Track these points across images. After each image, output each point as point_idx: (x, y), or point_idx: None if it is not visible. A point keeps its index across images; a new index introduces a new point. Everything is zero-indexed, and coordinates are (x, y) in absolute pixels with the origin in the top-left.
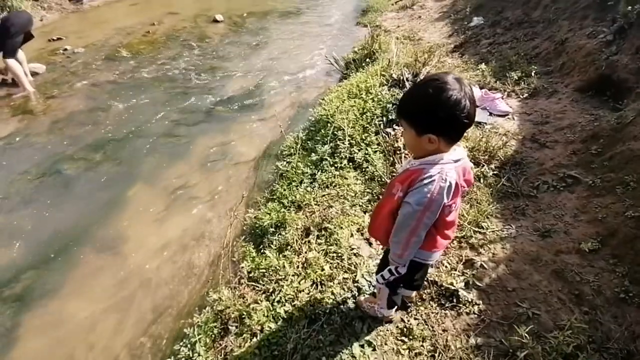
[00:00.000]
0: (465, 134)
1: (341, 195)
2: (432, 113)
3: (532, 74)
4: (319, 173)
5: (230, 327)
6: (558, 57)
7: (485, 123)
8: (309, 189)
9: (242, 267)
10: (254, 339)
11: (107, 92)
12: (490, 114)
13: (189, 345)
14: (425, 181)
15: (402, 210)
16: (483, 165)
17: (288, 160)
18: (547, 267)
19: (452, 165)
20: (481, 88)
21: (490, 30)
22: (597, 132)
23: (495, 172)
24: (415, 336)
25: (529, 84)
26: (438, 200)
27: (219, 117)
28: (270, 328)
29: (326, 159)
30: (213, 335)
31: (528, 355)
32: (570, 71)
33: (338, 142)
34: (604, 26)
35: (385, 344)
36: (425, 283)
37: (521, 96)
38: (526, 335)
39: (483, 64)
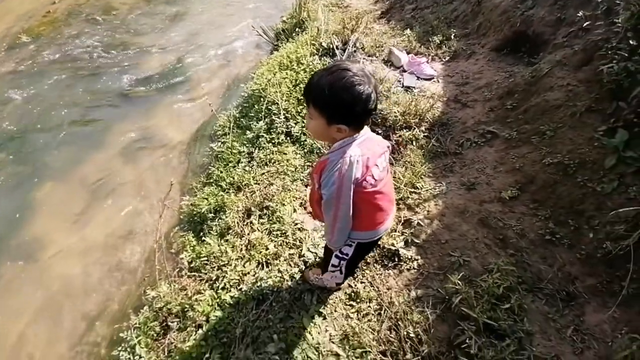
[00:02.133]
0: (396, 99)
1: (281, 172)
2: (348, 107)
3: (452, 37)
4: (257, 151)
5: (171, 323)
6: (475, 18)
7: (414, 87)
8: (247, 168)
9: (182, 258)
10: (200, 331)
11: (6, 83)
12: (418, 78)
13: (128, 349)
14: (331, 170)
15: (322, 201)
16: (414, 128)
17: (222, 140)
18: (473, 217)
19: (355, 143)
20: (408, 53)
21: None
22: (512, 88)
23: (425, 134)
24: (363, 299)
25: (449, 47)
26: (346, 184)
27: (137, 99)
28: (217, 316)
29: (263, 136)
30: (154, 335)
31: (462, 300)
32: (486, 31)
33: (273, 117)
34: None
35: (335, 311)
36: None
37: (443, 59)
38: (459, 281)
39: (408, 29)
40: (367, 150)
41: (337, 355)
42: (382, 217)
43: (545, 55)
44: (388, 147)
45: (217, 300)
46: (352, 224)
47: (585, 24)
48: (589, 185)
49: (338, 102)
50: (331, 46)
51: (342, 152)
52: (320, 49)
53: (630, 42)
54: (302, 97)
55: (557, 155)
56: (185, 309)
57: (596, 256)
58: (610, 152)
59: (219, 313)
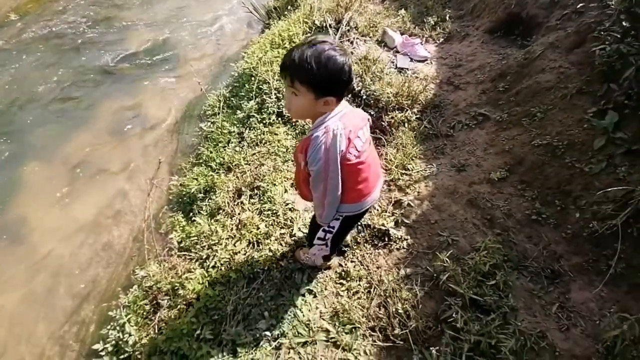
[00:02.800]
0: (389, 80)
1: (272, 152)
2: (335, 78)
3: (447, 18)
4: (247, 131)
5: (161, 301)
6: None
7: (407, 69)
8: (237, 148)
9: (171, 238)
10: (190, 308)
11: None
12: (411, 59)
13: (117, 328)
14: (316, 146)
15: (310, 178)
16: (407, 110)
17: (212, 120)
18: (462, 197)
19: (336, 117)
20: (402, 34)
21: None
22: (504, 70)
23: (417, 116)
24: (353, 277)
25: (443, 29)
26: (333, 157)
27: (123, 76)
28: (207, 294)
29: (253, 116)
30: (144, 313)
31: (450, 277)
32: (481, 13)
33: (264, 97)
34: None
35: (325, 289)
36: (360, 227)
37: (437, 41)
38: (447, 259)
39: (403, 9)
40: (348, 123)
41: (327, 331)
42: (367, 188)
43: (538, 37)
44: (368, 119)
45: (208, 278)
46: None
47: (579, 6)
48: (577, 166)
49: (326, 74)
50: (324, 24)
51: (324, 127)
52: (313, 27)
53: (623, 23)
54: None
55: (546, 136)
56: (176, 287)
57: (582, 235)
58: (599, 134)
59: (209, 291)
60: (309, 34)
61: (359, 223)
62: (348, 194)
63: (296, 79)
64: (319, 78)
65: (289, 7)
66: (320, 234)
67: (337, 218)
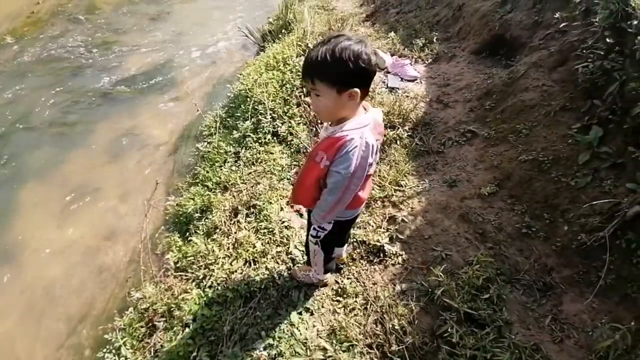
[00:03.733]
0: (381, 100)
1: (268, 171)
2: (353, 65)
3: (434, 40)
4: (243, 150)
5: (157, 323)
6: (456, 22)
7: (398, 88)
8: (233, 168)
9: (168, 259)
10: (187, 330)
11: None
12: (402, 79)
13: (113, 351)
14: (350, 148)
15: (331, 179)
16: (398, 128)
17: (209, 140)
18: (454, 212)
19: (369, 127)
20: (392, 55)
21: (397, 0)
22: (490, 89)
23: (409, 134)
24: (349, 294)
25: (432, 50)
26: (362, 165)
27: (121, 99)
28: (204, 315)
29: (249, 136)
30: (140, 336)
31: (444, 292)
32: (466, 35)
33: (260, 117)
34: None
35: (322, 307)
36: (355, 243)
37: (426, 61)
38: (441, 274)
39: (392, 32)
40: (375, 135)
41: (324, 349)
42: (364, 196)
43: (521, 57)
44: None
45: (204, 298)
46: None
47: (562, 26)
48: (563, 180)
49: (342, 63)
50: None
51: (358, 132)
52: (306, 50)
53: (607, 40)
54: (288, 97)
55: (532, 152)
56: (172, 309)
57: (571, 248)
58: (584, 149)
59: (206, 311)
60: (302, 56)
61: (354, 239)
62: (352, 200)
63: (316, 78)
64: (337, 70)
65: (283, 31)
66: (312, 231)
67: (330, 222)
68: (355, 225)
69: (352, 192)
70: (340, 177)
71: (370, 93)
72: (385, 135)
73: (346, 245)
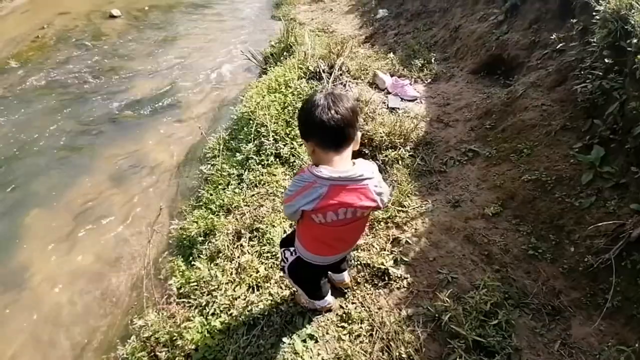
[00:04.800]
0: (382, 120)
1: (271, 193)
2: (307, 120)
3: (432, 60)
4: (246, 173)
5: (159, 353)
6: (453, 43)
7: (399, 108)
8: (237, 190)
9: (171, 285)
10: None
11: None
12: (402, 99)
13: None
14: (295, 181)
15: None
16: (400, 148)
17: (212, 162)
18: (459, 233)
19: (329, 181)
20: (392, 75)
21: (395, 22)
22: (489, 108)
23: (410, 154)
24: (354, 319)
25: (430, 70)
26: (296, 206)
27: (126, 124)
28: (206, 344)
29: (252, 158)
30: None
31: (451, 317)
32: (464, 56)
33: (262, 139)
34: (495, 7)
35: (327, 333)
36: (359, 266)
37: (425, 81)
38: (447, 299)
39: (391, 53)
40: (337, 195)
41: None
42: (322, 249)
43: (519, 77)
44: (368, 206)
45: (207, 327)
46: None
47: (559, 46)
48: (567, 201)
49: (300, 113)
50: (318, 70)
51: (314, 177)
52: (308, 73)
53: (606, 60)
54: (290, 119)
55: (534, 172)
56: (174, 338)
57: (578, 270)
58: (586, 168)
59: (208, 341)
60: (303, 78)
61: (358, 262)
62: (302, 238)
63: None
64: (298, 119)
65: (284, 54)
66: (280, 255)
67: (292, 253)
68: (358, 247)
69: (290, 210)
70: (285, 197)
71: (371, 114)
72: (386, 156)
73: (347, 270)
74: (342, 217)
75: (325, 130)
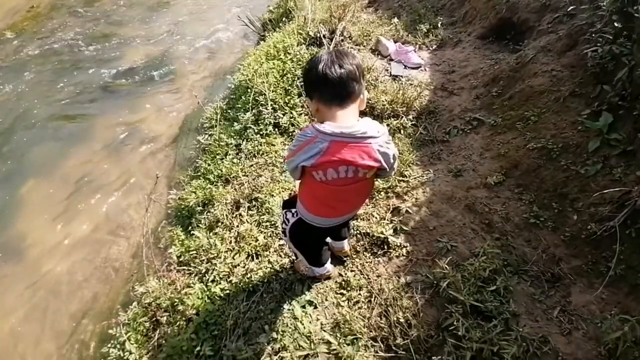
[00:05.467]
0: (384, 88)
1: (270, 163)
2: (310, 77)
3: (439, 25)
4: (244, 143)
5: (160, 318)
6: (462, 6)
7: (402, 76)
8: (235, 160)
9: (170, 253)
10: (190, 324)
11: None
12: (405, 67)
13: (118, 346)
14: (298, 137)
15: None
16: (402, 117)
17: (209, 132)
18: (460, 203)
19: (331, 136)
20: (395, 42)
21: None
22: (497, 75)
23: (413, 123)
24: (353, 286)
25: (436, 36)
26: (297, 161)
27: (120, 92)
28: (207, 309)
29: (250, 127)
30: (144, 330)
31: (450, 284)
32: (472, 19)
33: (261, 108)
34: None
35: (326, 300)
36: (359, 235)
37: (430, 48)
38: (446, 266)
39: (395, 18)
40: (338, 151)
41: (328, 342)
42: (323, 210)
43: (529, 41)
44: (370, 166)
45: (207, 293)
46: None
47: (570, 9)
48: (573, 169)
49: (305, 71)
50: (318, 35)
51: (317, 132)
52: (308, 38)
53: (615, 24)
54: (289, 87)
55: (540, 140)
56: (175, 303)
57: (581, 238)
58: (594, 135)
59: (209, 306)
60: (303, 45)
61: (358, 231)
62: (304, 199)
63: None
64: (303, 77)
65: (283, 19)
66: (280, 218)
67: (294, 214)
68: (358, 216)
69: (291, 165)
70: (287, 152)
71: (373, 81)
72: (388, 125)
73: (347, 239)
74: (342, 176)
75: (328, 84)
